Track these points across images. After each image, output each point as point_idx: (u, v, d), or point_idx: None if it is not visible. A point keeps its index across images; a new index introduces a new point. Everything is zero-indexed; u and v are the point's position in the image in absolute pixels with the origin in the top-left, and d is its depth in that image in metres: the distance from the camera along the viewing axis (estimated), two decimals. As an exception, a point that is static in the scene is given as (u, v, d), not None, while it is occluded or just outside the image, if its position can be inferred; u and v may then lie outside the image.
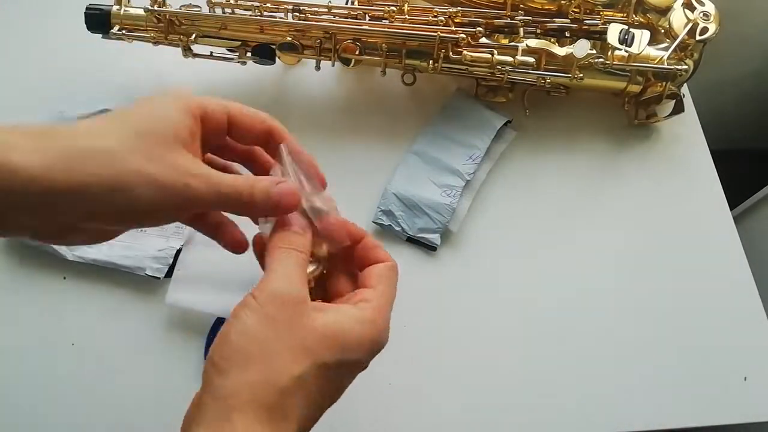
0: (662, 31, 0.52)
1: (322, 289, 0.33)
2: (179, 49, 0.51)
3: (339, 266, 0.33)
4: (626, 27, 0.49)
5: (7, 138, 0.24)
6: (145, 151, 0.26)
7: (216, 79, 0.55)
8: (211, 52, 0.52)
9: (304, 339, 0.27)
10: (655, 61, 0.50)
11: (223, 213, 0.34)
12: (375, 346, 0.29)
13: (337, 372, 0.28)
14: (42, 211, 0.25)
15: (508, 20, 0.51)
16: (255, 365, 0.26)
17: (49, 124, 0.26)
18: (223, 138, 0.31)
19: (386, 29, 0.49)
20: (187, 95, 0.30)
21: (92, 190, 0.25)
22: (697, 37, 0.50)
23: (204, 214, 0.34)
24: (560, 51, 0.50)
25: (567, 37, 0.52)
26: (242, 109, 0.31)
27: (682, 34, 0.50)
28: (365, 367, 0.30)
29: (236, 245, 0.34)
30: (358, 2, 0.52)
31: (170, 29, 0.50)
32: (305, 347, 0.27)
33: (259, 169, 0.34)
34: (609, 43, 0.49)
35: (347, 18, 0.50)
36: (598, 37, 0.51)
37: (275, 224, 0.31)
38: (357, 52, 0.50)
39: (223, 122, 0.30)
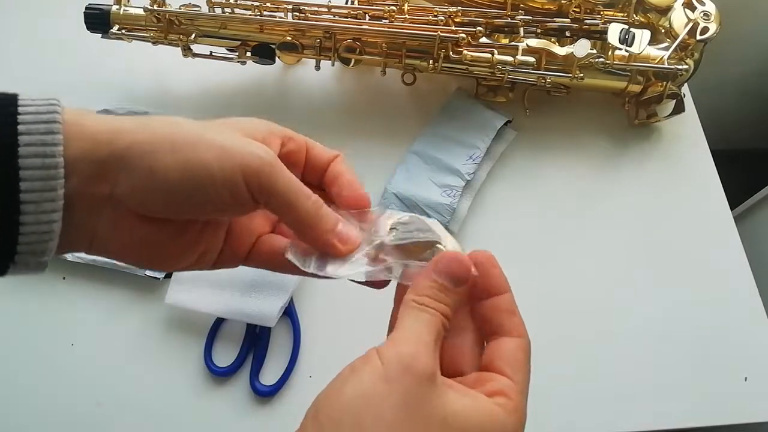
0: (663, 30, 0.51)
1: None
2: (179, 49, 0.51)
3: (466, 315, 0.27)
4: (627, 27, 0.49)
5: (86, 113, 0.25)
6: (219, 128, 0.26)
7: (216, 78, 0.55)
8: (211, 52, 0.52)
9: (429, 426, 0.22)
10: (656, 61, 0.50)
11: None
12: None
13: None
14: (106, 182, 0.24)
15: (509, 20, 0.51)
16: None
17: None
18: (300, 170, 0.29)
19: (386, 29, 0.49)
20: (273, 123, 0.28)
21: (153, 148, 0.24)
22: (698, 37, 0.50)
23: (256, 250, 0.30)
24: (560, 51, 0.50)
25: (567, 36, 0.52)
26: (316, 143, 0.30)
27: (682, 33, 0.50)
28: None
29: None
30: (358, 2, 0.52)
31: (170, 29, 0.50)
32: (423, 427, 0.22)
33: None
34: (609, 43, 0.48)
35: (347, 17, 0.50)
36: (598, 36, 0.51)
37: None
38: (357, 52, 0.50)
39: (302, 151, 0.29)
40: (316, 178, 0.30)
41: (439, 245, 0.27)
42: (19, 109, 0.23)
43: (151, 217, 0.25)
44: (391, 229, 0.27)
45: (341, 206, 0.29)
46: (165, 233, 0.26)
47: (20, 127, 0.22)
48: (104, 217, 0.25)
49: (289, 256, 0.27)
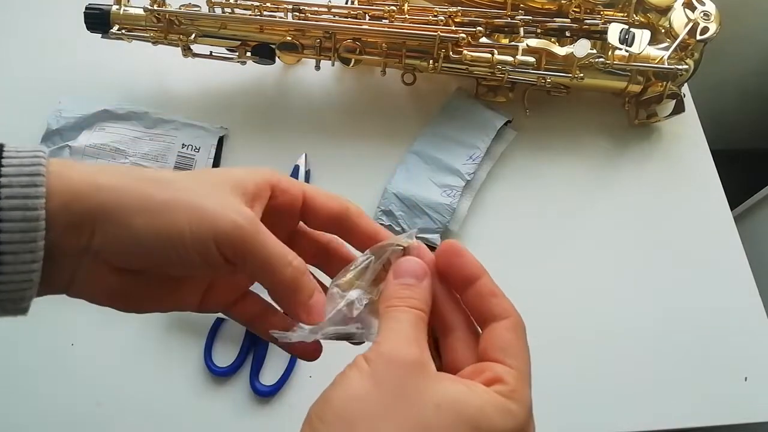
0: (663, 30, 0.51)
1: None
2: (179, 49, 0.51)
3: (451, 312, 0.27)
4: (627, 27, 0.49)
5: (71, 164, 0.24)
6: (197, 186, 0.25)
7: (216, 78, 0.55)
8: (211, 52, 0.52)
9: (421, 413, 0.22)
10: (656, 61, 0.50)
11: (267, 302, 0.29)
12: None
13: None
14: (82, 233, 0.24)
15: (509, 20, 0.51)
16: None
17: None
18: (295, 221, 0.29)
19: (386, 29, 0.49)
20: (263, 168, 0.28)
21: (127, 210, 0.24)
22: (698, 37, 0.50)
23: (244, 300, 0.30)
24: (560, 51, 0.50)
25: (567, 36, 0.52)
26: (318, 189, 0.28)
27: (682, 33, 0.50)
28: None
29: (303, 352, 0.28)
30: (358, 2, 0.52)
31: (170, 29, 0.50)
32: (421, 423, 0.22)
33: (335, 267, 0.29)
34: (609, 43, 0.48)
35: (347, 17, 0.50)
36: (598, 36, 0.51)
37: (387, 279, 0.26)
38: (357, 52, 0.50)
39: (297, 199, 0.28)
40: (321, 225, 0.29)
41: (397, 247, 0.27)
42: (3, 161, 0.23)
43: (128, 269, 0.25)
44: (349, 275, 0.27)
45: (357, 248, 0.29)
46: (142, 283, 0.26)
47: (2, 180, 0.22)
48: (82, 266, 0.25)
49: (275, 333, 0.27)
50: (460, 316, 0.27)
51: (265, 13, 0.50)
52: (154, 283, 0.26)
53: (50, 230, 0.23)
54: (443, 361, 0.26)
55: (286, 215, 0.28)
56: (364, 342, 0.26)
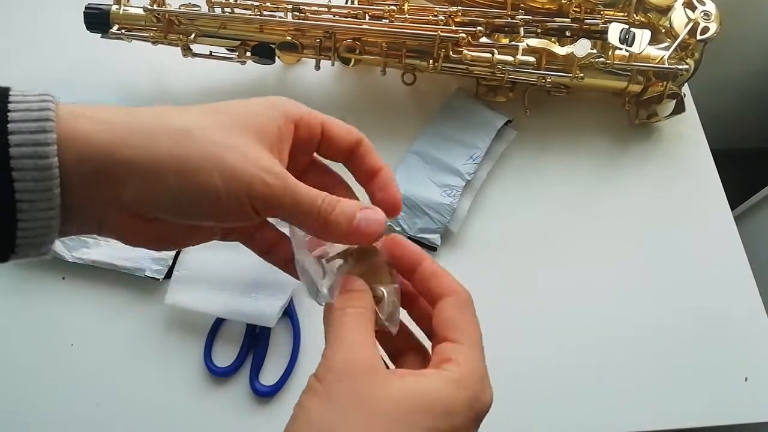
0: (663, 30, 0.51)
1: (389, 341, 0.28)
2: (179, 49, 0.51)
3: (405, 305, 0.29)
4: (627, 26, 0.49)
5: (82, 111, 0.23)
6: (224, 137, 0.24)
7: (215, 78, 0.55)
8: (211, 52, 0.52)
9: (376, 416, 0.22)
10: (656, 61, 0.50)
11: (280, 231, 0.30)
12: (476, 406, 0.24)
13: None
14: (108, 184, 0.23)
15: (509, 20, 0.51)
16: None
17: (130, 108, 0.25)
18: (312, 152, 0.29)
19: (386, 28, 0.49)
20: (286, 99, 0.27)
21: (159, 168, 0.23)
22: (698, 37, 0.50)
23: (262, 229, 0.30)
24: (561, 50, 0.49)
25: (567, 36, 0.52)
26: (334, 120, 0.28)
27: (682, 33, 0.50)
28: None
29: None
30: (358, 1, 0.51)
31: (169, 29, 0.50)
32: (384, 423, 0.22)
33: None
34: (610, 43, 0.48)
35: (347, 17, 0.50)
36: (598, 36, 0.51)
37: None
38: (357, 51, 0.50)
39: (317, 133, 0.28)
40: (333, 155, 0.29)
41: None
42: (10, 106, 0.22)
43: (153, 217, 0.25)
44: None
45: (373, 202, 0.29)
46: (171, 226, 0.26)
47: (11, 126, 0.22)
48: (110, 213, 0.24)
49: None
50: (413, 300, 0.29)
51: (264, 12, 0.50)
52: (182, 226, 0.26)
53: (69, 179, 0.22)
54: (398, 345, 0.28)
55: (304, 148, 0.28)
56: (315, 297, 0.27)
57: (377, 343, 0.25)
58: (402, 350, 0.28)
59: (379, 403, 0.23)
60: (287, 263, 0.29)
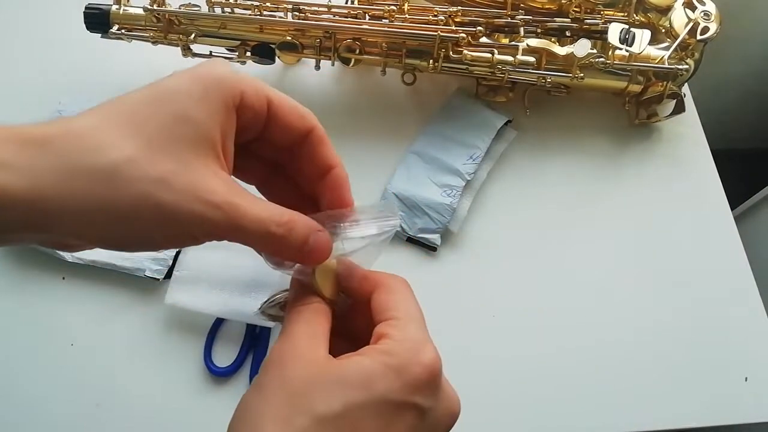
0: (663, 30, 0.51)
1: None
2: (179, 49, 0.51)
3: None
4: (627, 26, 0.49)
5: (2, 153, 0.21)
6: (156, 168, 0.22)
7: (215, 78, 0.55)
8: (211, 52, 0.52)
9: (292, 395, 0.22)
10: (656, 61, 0.50)
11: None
12: (405, 374, 0.23)
13: (349, 422, 0.22)
14: (35, 230, 0.22)
15: (509, 19, 0.51)
16: None
17: (46, 129, 0.22)
18: (258, 131, 0.26)
19: (386, 28, 0.49)
20: (222, 75, 0.24)
21: (89, 216, 0.21)
22: (698, 37, 0.50)
23: None
24: (561, 50, 0.49)
25: (567, 36, 0.52)
26: (284, 100, 0.26)
27: (682, 33, 0.50)
28: (422, 407, 0.23)
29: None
30: (358, 1, 0.51)
31: (169, 29, 0.50)
32: (291, 405, 0.22)
33: (276, 194, 0.28)
34: (610, 43, 0.48)
35: (347, 17, 0.50)
36: (598, 36, 0.51)
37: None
38: (357, 51, 0.50)
39: (262, 113, 0.25)
40: (281, 138, 0.26)
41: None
42: None
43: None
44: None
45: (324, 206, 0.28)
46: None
47: None
48: (47, 243, 0.24)
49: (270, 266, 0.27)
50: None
51: (264, 12, 0.50)
52: None
53: None
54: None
55: (247, 130, 0.25)
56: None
57: (327, 340, 0.24)
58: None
59: (297, 382, 0.22)
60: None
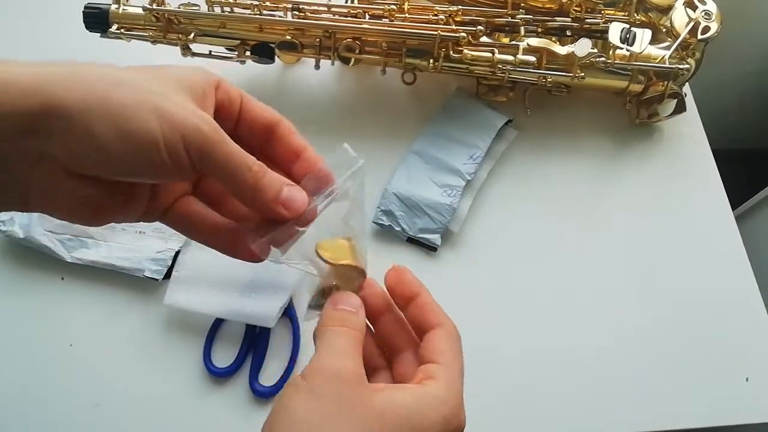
0: (664, 30, 0.51)
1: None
2: (178, 48, 0.51)
3: (398, 336, 0.30)
4: (628, 26, 0.49)
5: (5, 60, 0.22)
6: (159, 87, 0.24)
7: (215, 78, 0.55)
8: (210, 51, 0.52)
9: (358, 422, 0.23)
10: (657, 61, 0.50)
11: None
12: (453, 424, 0.25)
13: None
14: (34, 133, 0.22)
15: (509, 19, 0.51)
16: None
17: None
18: (232, 125, 0.28)
19: (386, 28, 0.49)
20: (202, 68, 0.27)
21: (93, 112, 0.22)
22: (699, 37, 0.50)
23: (204, 180, 0.29)
24: (561, 50, 0.49)
25: (568, 36, 0.51)
26: (252, 98, 0.28)
27: (683, 33, 0.50)
28: None
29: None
30: (359, 1, 0.51)
31: (169, 28, 0.50)
32: (361, 427, 0.23)
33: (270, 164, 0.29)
34: (610, 42, 0.48)
35: (347, 16, 0.50)
36: (599, 36, 0.51)
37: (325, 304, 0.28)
38: (357, 51, 0.50)
39: (236, 101, 0.27)
40: (250, 135, 0.28)
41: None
42: None
43: (85, 175, 0.24)
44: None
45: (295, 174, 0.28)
46: (99, 190, 0.25)
47: None
48: (38, 173, 0.23)
49: (254, 246, 0.27)
50: (407, 337, 0.29)
51: (264, 12, 0.50)
52: (111, 190, 0.25)
53: None
54: (394, 378, 0.29)
55: (225, 119, 0.27)
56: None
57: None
58: (400, 348, 0.30)
59: (362, 410, 0.23)
60: (237, 216, 0.28)
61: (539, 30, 0.51)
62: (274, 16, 0.50)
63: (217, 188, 0.29)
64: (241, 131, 0.28)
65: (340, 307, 0.27)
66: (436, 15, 0.50)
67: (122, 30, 0.50)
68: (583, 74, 0.50)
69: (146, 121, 0.23)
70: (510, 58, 0.49)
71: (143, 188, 0.27)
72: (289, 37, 0.50)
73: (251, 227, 0.27)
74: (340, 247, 0.28)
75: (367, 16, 0.50)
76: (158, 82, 0.24)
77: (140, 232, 0.47)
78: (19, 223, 0.46)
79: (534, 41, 0.50)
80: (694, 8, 0.50)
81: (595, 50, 0.50)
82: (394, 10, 0.50)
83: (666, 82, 0.51)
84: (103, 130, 0.22)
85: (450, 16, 0.50)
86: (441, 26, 0.49)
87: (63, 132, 0.22)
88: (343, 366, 0.25)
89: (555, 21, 0.51)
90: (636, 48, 0.48)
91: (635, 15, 0.52)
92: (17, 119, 0.21)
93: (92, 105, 0.22)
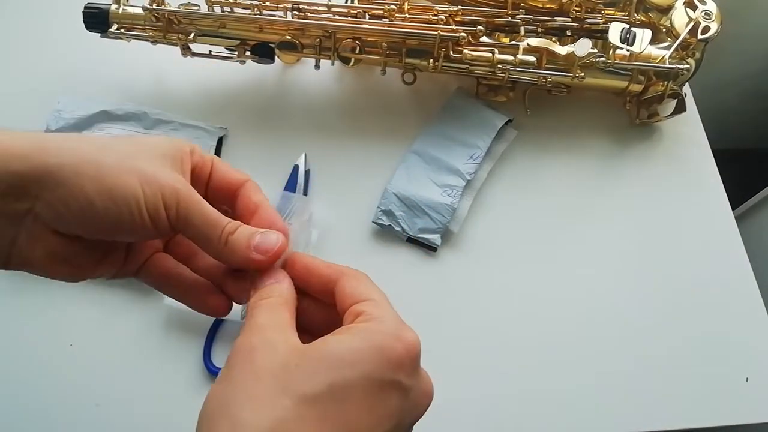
0: (664, 30, 0.51)
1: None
2: (178, 48, 0.51)
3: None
4: (628, 26, 0.49)
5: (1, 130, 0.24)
6: (138, 153, 0.26)
7: (214, 78, 0.55)
8: (210, 51, 0.52)
9: (272, 378, 0.22)
10: (657, 61, 0.50)
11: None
12: (388, 351, 0.23)
13: (336, 401, 0.22)
14: (27, 200, 0.24)
15: (509, 19, 0.51)
16: (219, 425, 0.21)
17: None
18: (204, 184, 0.29)
19: (386, 28, 0.49)
20: (175, 137, 0.29)
21: (77, 172, 0.24)
22: (699, 37, 0.50)
23: (177, 238, 0.30)
24: (561, 50, 0.49)
25: (568, 35, 0.51)
26: (221, 161, 0.30)
27: (683, 33, 0.50)
28: (405, 386, 0.23)
29: (214, 308, 0.30)
30: (359, 1, 0.51)
31: (169, 28, 0.50)
32: (275, 386, 0.21)
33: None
34: (610, 42, 0.48)
35: (347, 16, 0.50)
36: (599, 35, 0.51)
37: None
38: (357, 51, 0.50)
39: (208, 165, 0.29)
40: (221, 197, 0.29)
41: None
42: None
43: (66, 234, 0.25)
44: None
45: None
46: (78, 248, 0.26)
47: None
48: (22, 231, 0.25)
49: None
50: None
51: (264, 12, 0.50)
52: (89, 248, 0.27)
53: None
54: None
55: (198, 182, 0.29)
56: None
57: (294, 329, 0.25)
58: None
59: (273, 368, 0.22)
60: (206, 272, 0.29)
61: (539, 30, 0.51)
62: (274, 16, 0.50)
63: (186, 245, 0.30)
64: (211, 192, 0.29)
65: (266, 283, 0.27)
66: (436, 15, 0.50)
67: (122, 30, 0.50)
68: (583, 74, 0.50)
69: (129, 181, 0.25)
70: (510, 58, 0.49)
71: (120, 246, 0.28)
72: (289, 37, 0.50)
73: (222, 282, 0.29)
74: None
75: (367, 16, 0.50)
76: (140, 149, 0.26)
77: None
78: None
79: (534, 41, 0.50)
80: (694, 8, 0.50)
81: (595, 50, 0.50)
82: (394, 10, 0.50)
83: (666, 82, 0.51)
84: (89, 189, 0.24)
85: (450, 16, 0.50)
86: (441, 26, 0.49)
87: (51, 192, 0.24)
88: (255, 337, 0.24)
89: (555, 21, 0.51)
90: (636, 48, 0.48)
91: (635, 15, 0.52)
92: (10, 180, 0.23)
93: (82, 167, 0.24)
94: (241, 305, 0.29)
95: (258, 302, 0.26)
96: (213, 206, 0.27)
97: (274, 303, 0.26)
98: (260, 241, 0.26)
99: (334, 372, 0.22)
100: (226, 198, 0.29)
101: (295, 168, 0.50)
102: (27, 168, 0.23)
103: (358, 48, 0.50)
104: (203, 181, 0.29)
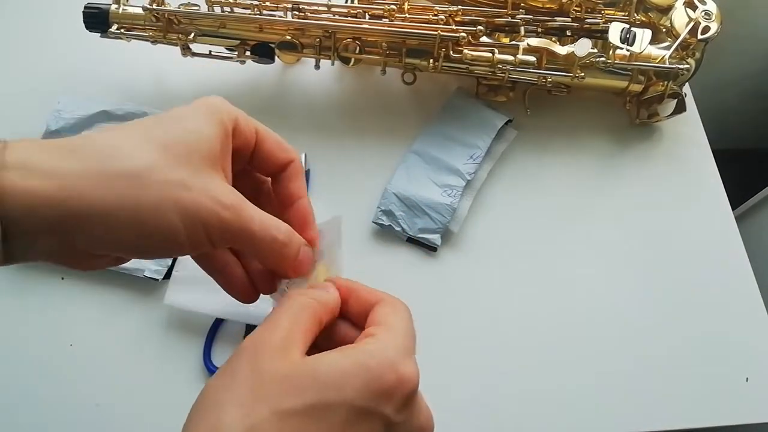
0: (664, 30, 0.51)
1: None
2: (178, 48, 0.51)
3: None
4: (628, 26, 0.49)
5: (29, 155, 0.22)
6: (174, 174, 0.24)
7: (215, 78, 0.55)
8: (210, 51, 0.52)
9: (257, 387, 0.22)
10: (657, 61, 0.50)
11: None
12: (377, 381, 0.22)
13: (313, 420, 0.22)
14: (60, 233, 0.23)
15: (509, 19, 0.51)
16: (203, 422, 0.22)
17: (70, 140, 0.24)
18: (246, 160, 0.28)
19: (386, 28, 0.49)
20: (221, 103, 0.27)
21: (114, 215, 0.23)
22: (699, 37, 0.50)
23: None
24: (561, 50, 0.49)
25: (568, 35, 0.51)
26: (269, 132, 0.28)
27: (683, 33, 0.50)
28: (390, 419, 0.23)
29: (245, 293, 0.30)
30: (359, 1, 0.51)
31: (169, 28, 0.50)
32: (256, 395, 0.22)
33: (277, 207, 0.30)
34: (610, 42, 0.48)
35: (347, 16, 0.50)
36: (599, 35, 0.51)
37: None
38: (357, 51, 0.50)
39: (251, 140, 0.28)
40: (264, 169, 0.29)
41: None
42: None
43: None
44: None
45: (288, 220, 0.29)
46: (108, 259, 0.26)
47: None
48: (53, 254, 0.24)
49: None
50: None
51: (264, 12, 0.50)
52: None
53: (18, 237, 0.22)
54: None
55: (239, 155, 0.28)
56: None
57: (308, 340, 0.25)
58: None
59: (267, 374, 0.22)
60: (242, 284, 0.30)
61: (539, 30, 0.51)
62: (274, 16, 0.50)
63: None
64: (255, 163, 0.29)
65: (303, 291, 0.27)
66: (436, 15, 0.50)
67: (122, 30, 0.50)
68: (583, 74, 0.50)
69: (167, 217, 0.23)
70: (510, 58, 0.49)
71: None
72: (289, 37, 0.50)
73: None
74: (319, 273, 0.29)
75: (367, 16, 0.50)
76: (176, 165, 0.24)
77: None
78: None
79: (534, 41, 0.50)
80: (694, 8, 0.50)
81: (595, 50, 0.50)
82: (394, 10, 0.50)
83: (666, 82, 0.51)
84: (125, 228, 0.23)
85: (450, 16, 0.50)
86: (441, 26, 0.49)
87: (84, 232, 0.23)
88: (265, 337, 0.24)
89: (555, 21, 0.51)
90: (636, 48, 0.48)
91: (635, 15, 0.52)
92: (42, 226, 0.22)
93: (110, 208, 0.23)
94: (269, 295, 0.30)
95: (292, 296, 0.26)
96: (256, 173, 0.28)
97: (302, 305, 0.26)
98: (302, 257, 0.27)
99: (319, 393, 0.22)
100: (270, 171, 0.29)
101: (295, 168, 0.50)
102: (60, 214, 0.22)
103: (358, 48, 0.50)
104: (246, 153, 0.28)
